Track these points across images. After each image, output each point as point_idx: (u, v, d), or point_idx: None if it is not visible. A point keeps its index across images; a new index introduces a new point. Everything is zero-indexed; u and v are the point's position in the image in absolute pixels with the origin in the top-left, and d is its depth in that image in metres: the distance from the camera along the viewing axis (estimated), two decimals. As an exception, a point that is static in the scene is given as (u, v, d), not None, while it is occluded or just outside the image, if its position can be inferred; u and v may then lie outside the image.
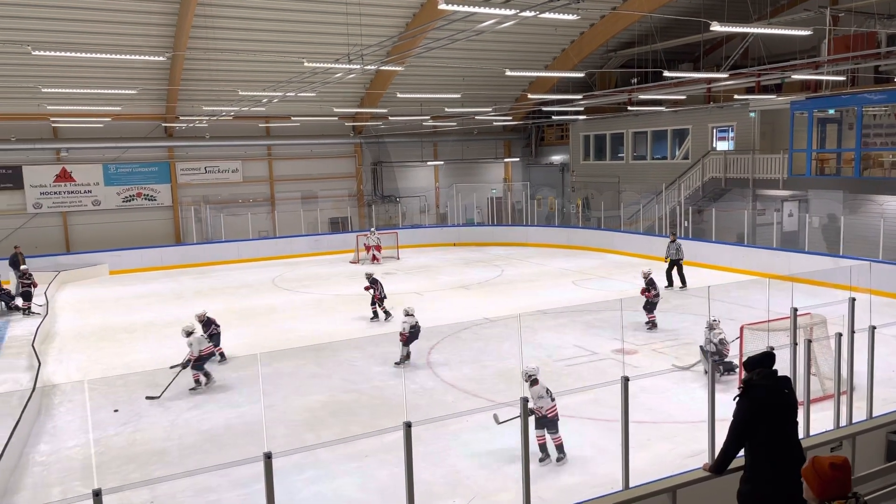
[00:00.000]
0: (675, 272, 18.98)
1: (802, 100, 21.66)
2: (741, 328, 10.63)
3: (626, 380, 5.87)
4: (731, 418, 4.55)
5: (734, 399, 4.46)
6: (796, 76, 21.37)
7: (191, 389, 11.61)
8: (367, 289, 16.20)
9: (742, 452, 4.51)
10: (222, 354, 13.24)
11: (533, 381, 8.53)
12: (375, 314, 16.23)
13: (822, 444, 6.29)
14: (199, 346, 11.71)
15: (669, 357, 12.51)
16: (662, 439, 8.97)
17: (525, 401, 5.61)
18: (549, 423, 8.45)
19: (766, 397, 4.31)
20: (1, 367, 13.57)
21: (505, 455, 8.60)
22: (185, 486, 8.16)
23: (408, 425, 5.16)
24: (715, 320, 11.26)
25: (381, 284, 16.24)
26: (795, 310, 7.07)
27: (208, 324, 13.26)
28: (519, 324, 13.39)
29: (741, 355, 10.44)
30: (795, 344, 6.81)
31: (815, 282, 17.67)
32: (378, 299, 16.14)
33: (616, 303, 17.08)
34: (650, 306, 14.63)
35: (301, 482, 8.16)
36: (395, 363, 12.61)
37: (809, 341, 7.04)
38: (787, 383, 4.38)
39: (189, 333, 11.89)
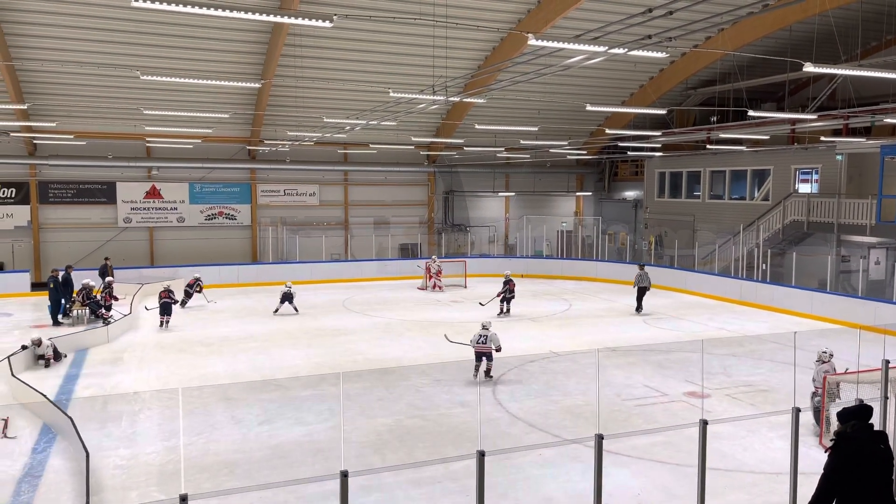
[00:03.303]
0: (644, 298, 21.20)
1: (894, 144, 20.80)
2: (824, 378, 10.19)
3: (704, 423, 5.74)
4: (813, 472, 4.39)
5: (826, 451, 4.30)
6: (888, 119, 20.57)
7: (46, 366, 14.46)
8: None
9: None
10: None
11: None
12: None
13: (914, 506, 5.96)
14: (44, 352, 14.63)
15: (743, 403, 12.09)
16: (737, 489, 8.64)
17: (600, 438, 5.55)
18: None
19: (859, 451, 4.14)
20: (86, 373, 14.29)
21: (571, 493, 8.46)
22: (254, 500, 8.36)
23: (481, 454, 5.18)
24: (825, 352, 10.64)
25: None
26: (887, 362, 6.76)
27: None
28: (597, 359, 13.21)
29: (823, 408, 10.00)
30: (886, 398, 6.51)
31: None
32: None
33: (688, 344, 16.67)
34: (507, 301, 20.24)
35: (366, 504, 8.25)
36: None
37: (901, 396, 6.73)
38: (882, 438, 4.21)
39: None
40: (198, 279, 22.05)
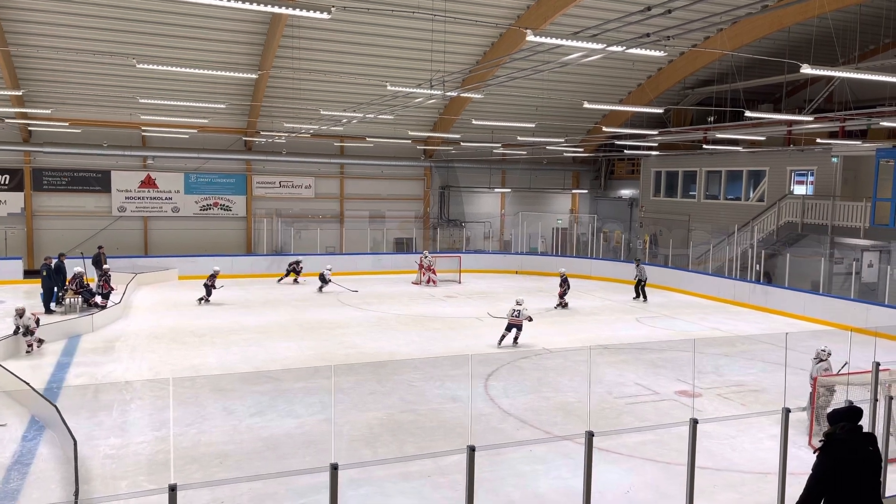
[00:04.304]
0: (640, 289, 23.10)
1: (889, 147, 20.88)
2: (814, 380, 10.25)
3: (694, 422, 5.76)
4: (802, 472, 4.40)
5: (814, 452, 4.32)
6: (884, 123, 20.64)
7: (27, 352, 14.48)
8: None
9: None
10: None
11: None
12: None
13: (901, 507, 6.01)
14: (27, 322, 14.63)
15: (734, 403, 12.14)
16: (727, 488, 8.68)
17: (590, 435, 5.56)
18: None
19: (848, 453, 4.15)
20: (78, 362, 14.25)
21: (561, 490, 8.48)
22: (244, 491, 8.35)
23: (471, 449, 5.19)
24: (823, 350, 10.70)
25: None
26: (878, 364, 6.79)
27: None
28: (589, 357, 13.24)
29: (813, 408, 10.05)
30: (876, 400, 6.54)
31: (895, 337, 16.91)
32: None
33: (681, 343, 16.71)
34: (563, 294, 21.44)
35: (356, 498, 8.24)
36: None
37: (891, 398, 6.75)
38: (871, 440, 4.22)
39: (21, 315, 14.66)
40: (299, 261, 25.59)
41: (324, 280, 23.79)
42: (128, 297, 20.67)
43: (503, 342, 15.98)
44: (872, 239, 21.15)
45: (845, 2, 19.80)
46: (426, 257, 26.22)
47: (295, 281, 25.43)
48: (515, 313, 16.01)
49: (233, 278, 25.78)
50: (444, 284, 25.70)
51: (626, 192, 35.46)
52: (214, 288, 21.21)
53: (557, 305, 21.38)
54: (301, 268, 25.61)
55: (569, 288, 21.63)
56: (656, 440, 10.00)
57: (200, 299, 20.90)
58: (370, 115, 22.16)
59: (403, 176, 32.73)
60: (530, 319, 16.23)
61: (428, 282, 25.60)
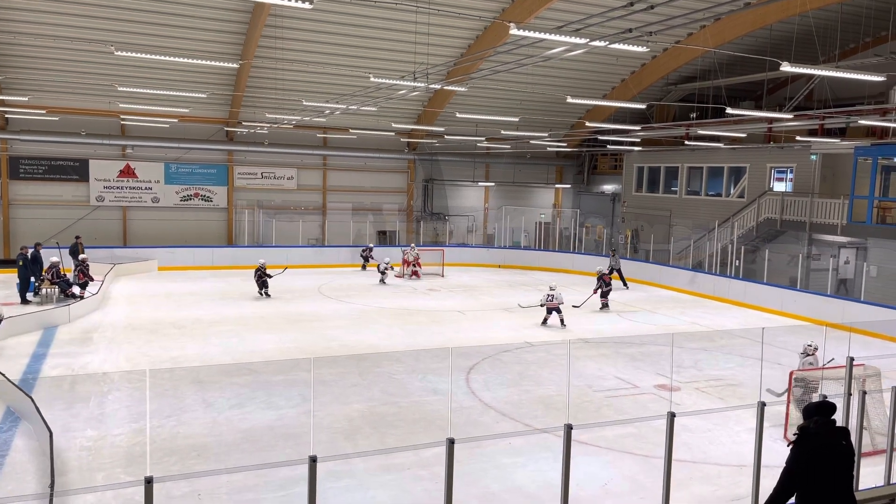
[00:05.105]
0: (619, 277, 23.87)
1: (867, 145, 21.14)
2: (790, 374, 10.38)
3: (671, 416, 5.81)
4: (777, 465, 4.45)
5: (788, 446, 4.37)
6: (863, 121, 20.90)
7: None
8: None
9: (793, 501, 4.40)
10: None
11: None
12: None
13: (872, 499, 6.12)
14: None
15: (712, 397, 12.28)
16: (703, 481, 8.78)
17: (569, 428, 5.59)
18: None
19: (821, 447, 4.21)
20: (54, 353, 14.07)
21: (540, 482, 8.53)
22: (222, 483, 8.30)
23: (451, 441, 5.19)
24: (810, 345, 10.78)
25: None
26: (852, 359, 6.89)
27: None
28: (569, 350, 13.30)
29: (788, 402, 10.19)
30: (850, 394, 6.64)
31: (871, 333, 17.17)
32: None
33: (660, 337, 16.86)
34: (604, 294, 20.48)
35: (336, 490, 8.23)
36: None
37: (864, 393, 6.86)
38: (844, 434, 4.28)
39: None
40: (370, 248, 26.97)
41: (382, 272, 24.15)
42: (106, 288, 20.43)
43: (547, 323, 17.64)
44: (849, 236, 21.43)
45: (826, 0, 20.00)
46: (413, 249, 26.19)
47: (363, 268, 26.45)
48: (550, 297, 17.48)
49: (213, 269, 25.63)
50: (427, 278, 25.70)
51: (608, 188, 35.63)
52: (269, 277, 20.78)
53: (603, 306, 20.29)
54: (371, 255, 26.39)
55: (609, 287, 20.40)
56: (635, 433, 10.09)
57: (263, 293, 20.66)
58: (353, 107, 22.06)
59: (387, 168, 32.62)
60: (562, 302, 17.56)
61: (412, 275, 25.59)
